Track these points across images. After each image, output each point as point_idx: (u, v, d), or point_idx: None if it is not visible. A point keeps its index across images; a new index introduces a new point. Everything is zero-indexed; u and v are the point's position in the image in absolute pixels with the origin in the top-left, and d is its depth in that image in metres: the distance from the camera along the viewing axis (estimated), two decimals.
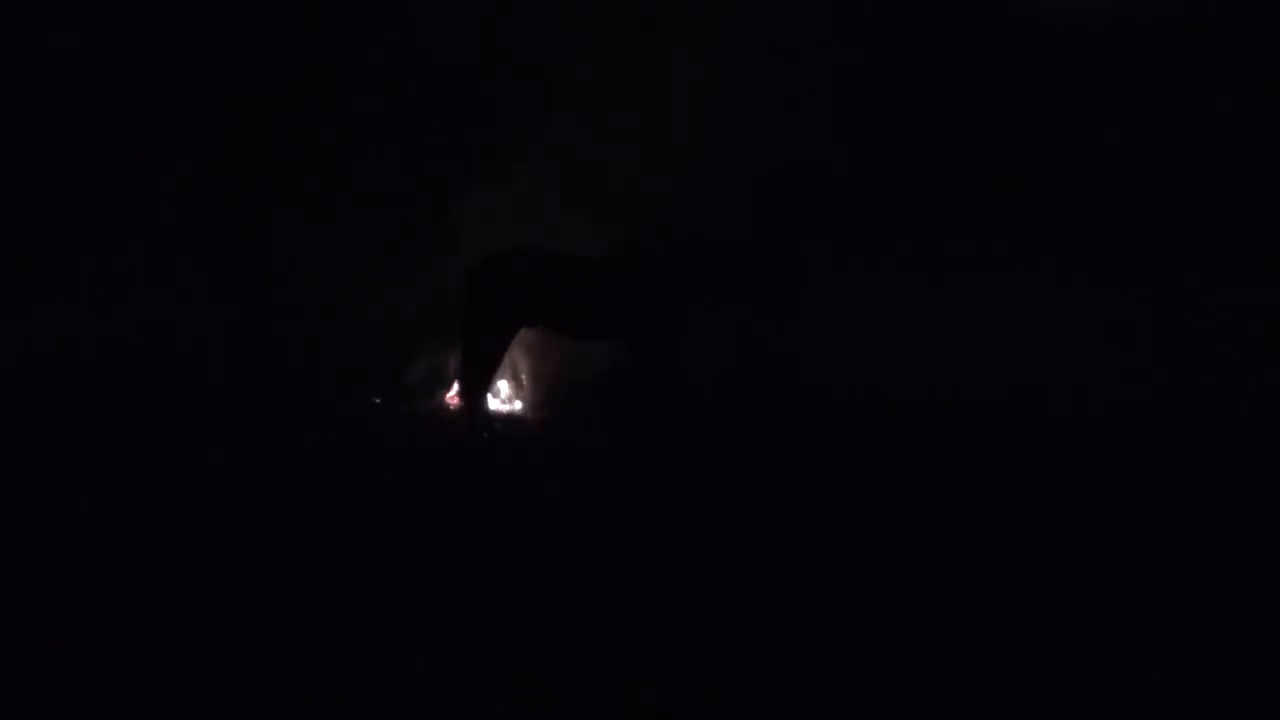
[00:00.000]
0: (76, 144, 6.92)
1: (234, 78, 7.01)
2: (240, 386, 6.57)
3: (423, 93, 7.11)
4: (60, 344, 6.70)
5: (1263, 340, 6.50)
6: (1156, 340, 6.69)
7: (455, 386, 6.68)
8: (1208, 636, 3.66)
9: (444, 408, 6.74)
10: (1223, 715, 3.23)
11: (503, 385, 6.89)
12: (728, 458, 5.72)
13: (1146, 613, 3.86)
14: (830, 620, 3.76)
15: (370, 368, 6.88)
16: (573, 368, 6.94)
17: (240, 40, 6.98)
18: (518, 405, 6.92)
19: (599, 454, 5.92)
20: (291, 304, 6.98)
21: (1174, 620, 3.80)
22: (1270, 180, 6.74)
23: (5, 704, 3.09)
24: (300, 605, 3.74)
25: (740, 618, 3.74)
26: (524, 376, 6.97)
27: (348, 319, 6.87)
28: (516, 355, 6.84)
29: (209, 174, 7.00)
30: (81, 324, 6.84)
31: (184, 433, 5.82)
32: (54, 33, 6.86)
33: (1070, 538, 4.59)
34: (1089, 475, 5.45)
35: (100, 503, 4.72)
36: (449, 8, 7.08)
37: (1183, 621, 3.79)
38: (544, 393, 6.96)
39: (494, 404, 6.77)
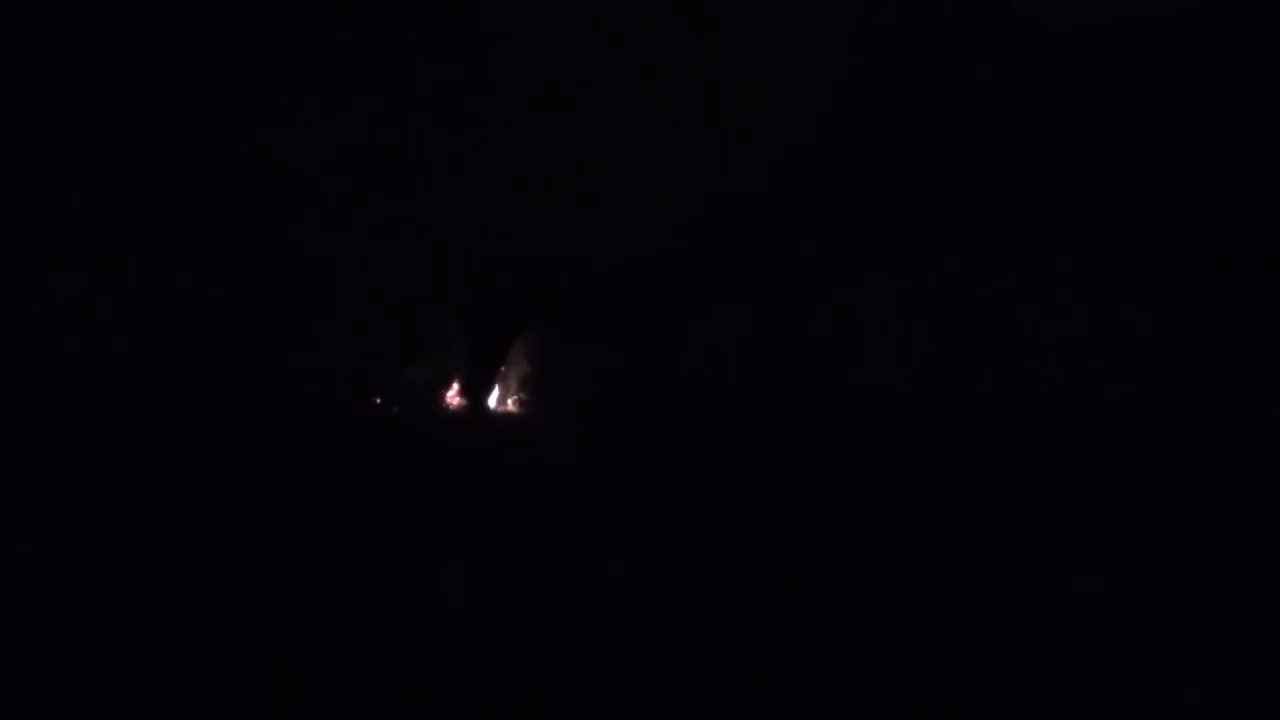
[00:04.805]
0: (74, 141, 6.91)
1: (235, 74, 7.00)
2: (238, 386, 6.56)
3: (421, 90, 7.10)
4: (58, 343, 6.69)
5: (1262, 339, 6.50)
6: (1157, 340, 6.69)
7: (456, 387, 6.69)
8: (1207, 635, 3.67)
9: (445, 409, 6.75)
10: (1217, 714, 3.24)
11: (504, 386, 6.89)
12: (734, 458, 5.73)
13: (1146, 613, 3.87)
14: (832, 621, 3.77)
15: (370, 368, 6.88)
16: (573, 368, 6.94)
17: (241, 37, 6.97)
18: (519, 406, 6.93)
19: (600, 455, 5.93)
20: (291, 304, 6.98)
21: (1174, 620, 3.81)
22: (1270, 180, 6.74)
23: (5, 704, 3.10)
24: (301, 606, 3.75)
25: (741, 618, 3.75)
26: (525, 377, 6.98)
27: (347, 320, 6.87)
28: (518, 356, 6.85)
29: (209, 172, 6.99)
30: (79, 323, 6.83)
31: (182, 431, 5.82)
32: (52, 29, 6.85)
33: (1078, 539, 4.61)
34: (1092, 476, 5.46)
35: (98, 503, 4.72)
36: (450, 6, 7.08)
37: (1183, 621, 3.80)
38: (544, 393, 6.96)
39: (495, 405, 6.78)
